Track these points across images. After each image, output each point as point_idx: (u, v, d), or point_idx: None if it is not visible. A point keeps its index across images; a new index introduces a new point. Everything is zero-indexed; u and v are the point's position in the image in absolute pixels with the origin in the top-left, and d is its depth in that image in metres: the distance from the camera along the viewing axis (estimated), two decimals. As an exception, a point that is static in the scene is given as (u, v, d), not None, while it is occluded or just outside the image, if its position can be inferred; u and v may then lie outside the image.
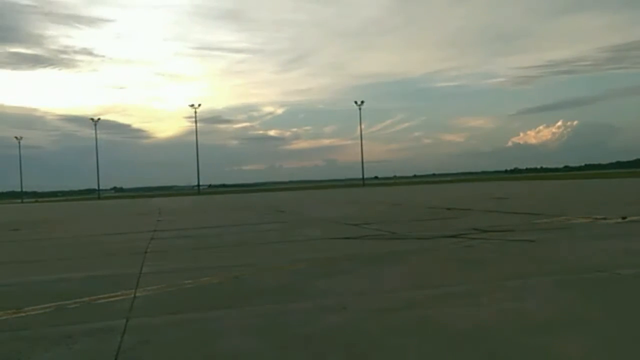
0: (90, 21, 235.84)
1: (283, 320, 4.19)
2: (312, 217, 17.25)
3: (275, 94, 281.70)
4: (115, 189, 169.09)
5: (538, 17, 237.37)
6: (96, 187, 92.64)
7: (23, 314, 4.78)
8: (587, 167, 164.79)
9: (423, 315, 4.15)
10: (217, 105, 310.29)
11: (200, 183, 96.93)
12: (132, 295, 5.37)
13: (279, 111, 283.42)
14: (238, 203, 34.18)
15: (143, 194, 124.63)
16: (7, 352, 3.69)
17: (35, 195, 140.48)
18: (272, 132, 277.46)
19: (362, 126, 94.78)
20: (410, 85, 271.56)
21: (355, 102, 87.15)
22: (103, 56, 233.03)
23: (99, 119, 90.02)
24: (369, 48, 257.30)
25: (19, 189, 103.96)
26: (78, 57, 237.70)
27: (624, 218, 10.64)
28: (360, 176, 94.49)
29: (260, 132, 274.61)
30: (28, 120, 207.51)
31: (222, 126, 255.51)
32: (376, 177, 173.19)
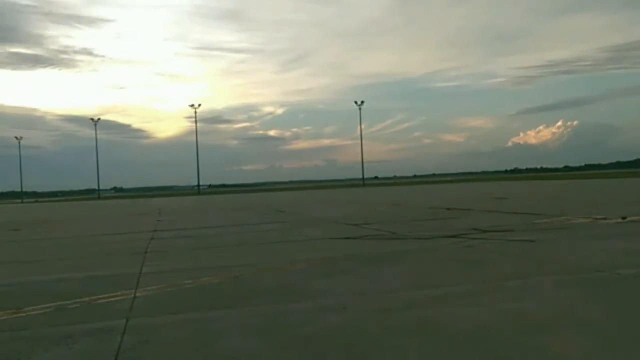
0: (90, 21, 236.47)
1: (283, 320, 4.19)
2: (312, 217, 17.25)
3: (276, 94, 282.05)
4: (115, 189, 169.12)
5: (538, 17, 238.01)
6: (96, 187, 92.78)
7: (23, 314, 4.78)
8: (587, 167, 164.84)
9: (423, 315, 4.15)
10: (217, 105, 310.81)
11: (201, 183, 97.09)
12: (132, 295, 5.37)
13: (279, 111, 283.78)
14: (238, 203, 34.17)
15: (143, 194, 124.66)
16: (7, 352, 3.69)
17: (35, 195, 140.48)
18: (272, 132, 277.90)
19: (362, 126, 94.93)
20: (410, 85, 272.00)
21: (355, 102, 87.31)
22: (103, 56, 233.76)
23: (98, 119, 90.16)
24: (369, 48, 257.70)
25: (19, 189, 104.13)
26: (78, 57, 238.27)
27: (624, 218, 10.64)
28: (360, 176, 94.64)
29: (260, 132, 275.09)
30: (28, 120, 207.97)
31: (222, 126, 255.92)
32: (376, 177, 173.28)
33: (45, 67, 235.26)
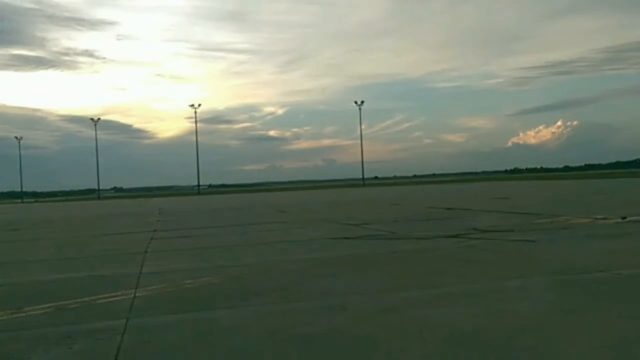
0: (92, 23, 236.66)
1: (283, 321, 4.19)
2: (312, 217, 17.24)
3: (276, 94, 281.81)
4: (115, 189, 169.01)
5: (536, 19, 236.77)
6: (96, 187, 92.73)
7: (23, 314, 4.78)
8: (587, 167, 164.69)
9: (423, 315, 4.14)
10: (218, 105, 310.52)
11: (201, 183, 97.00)
12: (132, 295, 5.37)
13: (280, 111, 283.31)
14: (238, 203, 34.17)
15: (143, 194, 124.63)
16: (7, 352, 3.69)
17: (35, 195, 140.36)
18: (272, 133, 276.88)
19: (362, 126, 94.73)
20: (410, 85, 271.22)
21: (355, 102, 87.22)
22: (104, 58, 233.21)
23: (99, 119, 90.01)
24: (368, 49, 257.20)
25: (19, 189, 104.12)
26: (80, 58, 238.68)
27: (623, 218, 10.64)
28: (360, 176, 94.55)
29: (261, 132, 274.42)
30: (30, 121, 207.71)
31: (223, 126, 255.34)
32: (376, 177, 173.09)
33: (47, 68, 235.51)
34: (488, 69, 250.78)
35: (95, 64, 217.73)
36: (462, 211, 15.68)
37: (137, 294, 5.42)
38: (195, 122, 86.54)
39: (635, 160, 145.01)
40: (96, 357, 3.53)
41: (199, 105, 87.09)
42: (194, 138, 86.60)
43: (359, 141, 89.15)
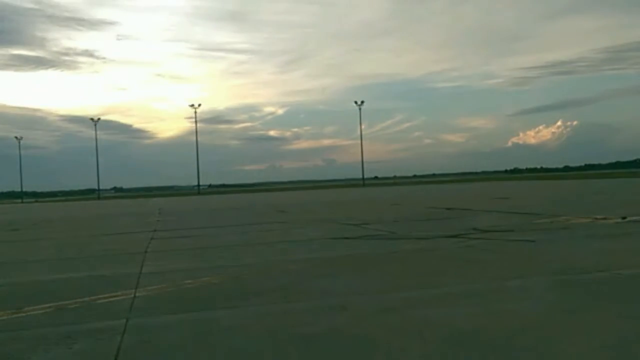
0: (92, 24, 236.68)
1: (283, 321, 4.19)
2: (312, 217, 17.24)
3: (276, 94, 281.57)
4: (115, 189, 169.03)
5: (535, 19, 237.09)
6: (96, 187, 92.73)
7: (23, 314, 4.78)
8: (587, 167, 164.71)
9: (423, 315, 4.15)
10: (218, 105, 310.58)
11: (201, 183, 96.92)
12: (132, 295, 5.37)
13: (280, 111, 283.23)
14: (238, 203, 34.18)
15: (143, 194, 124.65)
16: (7, 352, 3.69)
17: (35, 195, 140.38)
18: (272, 133, 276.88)
19: (362, 126, 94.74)
20: (411, 85, 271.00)
21: (355, 102, 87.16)
22: (104, 58, 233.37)
23: (98, 119, 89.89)
24: (368, 49, 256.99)
25: (19, 189, 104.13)
26: (80, 58, 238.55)
27: (623, 218, 10.64)
28: (360, 176, 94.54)
29: (261, 132, 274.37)
30: (30, 121, 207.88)
31: (223, 126, 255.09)
32: (376, 177, 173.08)
33: (47, 68, 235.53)
34: (488, 69, 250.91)
35: (95, 64, 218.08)
36: (462, 211, 15.69)
37: (137, 294, 5.42)
38: (195, 122, 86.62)
39: (635, 160, 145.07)
40: (96, 357, 3.53)
41: (199, 105, 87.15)
42: (194, 138, 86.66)
43: (359, 141, 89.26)
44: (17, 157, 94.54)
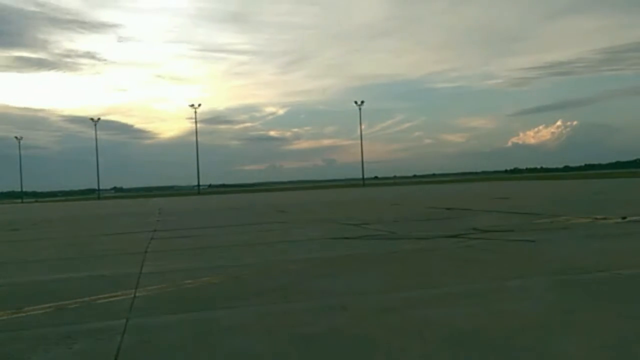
0: (94, 26, 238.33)
1: (283, 321, 4.19)
2: (312, 217, 17.24)
3: (277, 94, 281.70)
4: (115, 189, 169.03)
5: (534, 20, 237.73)
6: (96, 187, 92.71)
7: (23, 314, 4.78)
8: (587, 167, 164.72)
9: (423, 315, 4.14)
10: (219, 106, 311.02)
11: (201, 183, 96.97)
12: (132, 295, 5.37)
13: (280, 112, 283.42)
14: (238, 203, 34.17)
15: (143, 194, 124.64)
16: (7, 352, 3.69)
17: (34, 195, 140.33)
18: (272, 133, 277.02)
19: (363, 127, 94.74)
20: (411, 86, 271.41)
21: (355, 102, 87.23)
22: (106, 60, 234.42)
23: (99, 119, 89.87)
24: (369, 50, 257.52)
25: (19, 189, 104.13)
26: (82, 60, 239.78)
27: (623, 218, 10.64)
28: (360, 176, 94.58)
29: (261, 132, 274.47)
30: (33, 121, 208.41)
31: (223, 127, 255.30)
32: (376, 177, 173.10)
33: (49, 70, 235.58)
34: (488, 69, 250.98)
35: (96, 65, 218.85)
36: (462, 211, 15.69)
37: (137, 294, 5.42)
38: (195, 122, 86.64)
39: (635, 160, 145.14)
40: (96, 357, 3.53)
41: (199, 105, 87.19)
42: (195, 138, 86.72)
43: (359, 141, 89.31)
44: (18, 157, 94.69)
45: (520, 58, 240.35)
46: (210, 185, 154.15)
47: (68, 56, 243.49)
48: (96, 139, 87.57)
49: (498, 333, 3.60)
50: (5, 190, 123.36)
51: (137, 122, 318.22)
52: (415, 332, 3.72)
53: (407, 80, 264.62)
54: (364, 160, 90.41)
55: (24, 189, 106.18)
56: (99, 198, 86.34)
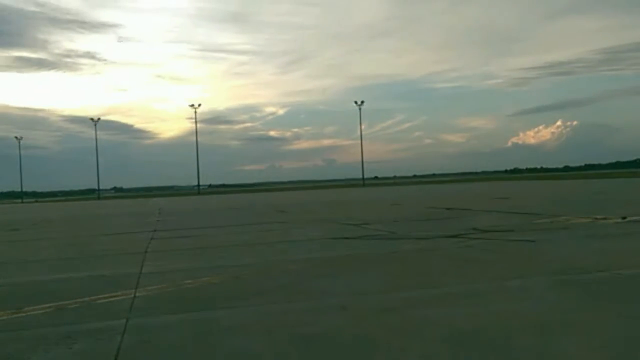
0: (94, 26, 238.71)
1: (283, 321, 4.19)
2: (312, 217, 17.24)
3: (277, 94, 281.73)
4: (115, 189, 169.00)
5: (534, 20, 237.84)
6: (96, 187, 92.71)
7: (23, 314, 4.78)
8: (587, 167, 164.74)
9: (423, 315, 4.14)
10: (219, 106, 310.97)
11: (201, 183, 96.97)
12: (132, 295, 5.37)
13: (280, 112, 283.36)
14: (238, 203, 34.17)
15: (143, 194, 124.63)
16: (7, 352, 3.69)
17: (34, 195, 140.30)
18: (272, 133, 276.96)
19: (363, 127, 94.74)
20: (411, 86, 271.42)
21: (355, 102, 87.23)
22: (106, 60, 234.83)
23: (98, 119, 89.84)
24: (369, 50, 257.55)
25: (19, 189, 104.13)
26: (82, 60, 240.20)
27: (623, 218, 10.64)
28: (360, 176, 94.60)
29: (261, 132, 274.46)
30: (33, 121, 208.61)
31: (223, 127, 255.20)
32: (376, 177, 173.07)
33: (49, 70, 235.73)
34: (488, 69, 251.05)
35: (97, 65, 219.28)
36: (461, 211, 15.68)
37: (137, 294, 5.42)
38: (195, 122, 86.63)
39: (635, 160, 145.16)
40: (96, 357, 3.53)
41: (199, 105, 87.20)
42: (195, 138, 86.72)
43: (359, 141, 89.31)
44: (18, 157, 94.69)
45: (520, 58, 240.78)
46: (210, 186, 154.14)
47: (68, 56, 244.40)
48: (96, 139, 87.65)
49: (498, 333, 3.60)
50: (5, 190, 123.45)
51: (137, 122, 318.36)
52: (415, 332, 3.72)
53: (407, 80, 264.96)
54: (364, 160, 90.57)
55: (24, 189, 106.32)
56: (99, 198, 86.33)
